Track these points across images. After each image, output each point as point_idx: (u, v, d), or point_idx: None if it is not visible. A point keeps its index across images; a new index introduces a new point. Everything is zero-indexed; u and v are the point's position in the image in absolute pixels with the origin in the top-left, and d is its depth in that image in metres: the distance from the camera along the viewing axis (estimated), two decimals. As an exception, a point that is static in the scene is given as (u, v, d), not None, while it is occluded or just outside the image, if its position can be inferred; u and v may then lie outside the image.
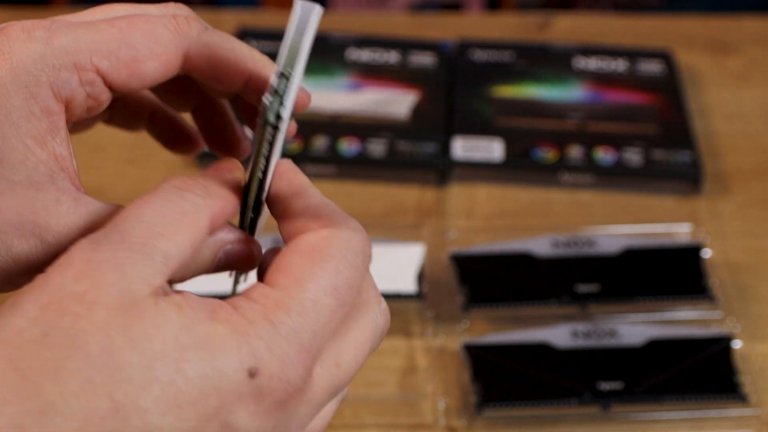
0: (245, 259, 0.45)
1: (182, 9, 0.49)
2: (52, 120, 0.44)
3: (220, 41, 0.47)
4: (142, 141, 0.62)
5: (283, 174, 0.44)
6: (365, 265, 0.42)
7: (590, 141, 0.90)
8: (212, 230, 0.42)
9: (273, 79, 0.42)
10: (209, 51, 0.47)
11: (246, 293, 0.40)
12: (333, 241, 0.41)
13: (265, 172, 0.43)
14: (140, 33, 0.46)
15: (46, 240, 0.43)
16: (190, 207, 0.41)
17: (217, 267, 0.45)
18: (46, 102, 0.44)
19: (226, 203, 0.43)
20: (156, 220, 0.40)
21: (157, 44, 0.46)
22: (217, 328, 0.38)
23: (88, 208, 0.44)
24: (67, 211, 0.43)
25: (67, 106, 0.45)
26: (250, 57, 0.47)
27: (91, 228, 0.42)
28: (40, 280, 0.38)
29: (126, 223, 0.39)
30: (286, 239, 0.43)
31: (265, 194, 0.45)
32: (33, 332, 0.36)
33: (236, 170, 0.45)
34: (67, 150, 0.44)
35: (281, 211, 0.44)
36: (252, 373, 0.38)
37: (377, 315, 0.43)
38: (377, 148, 0.89)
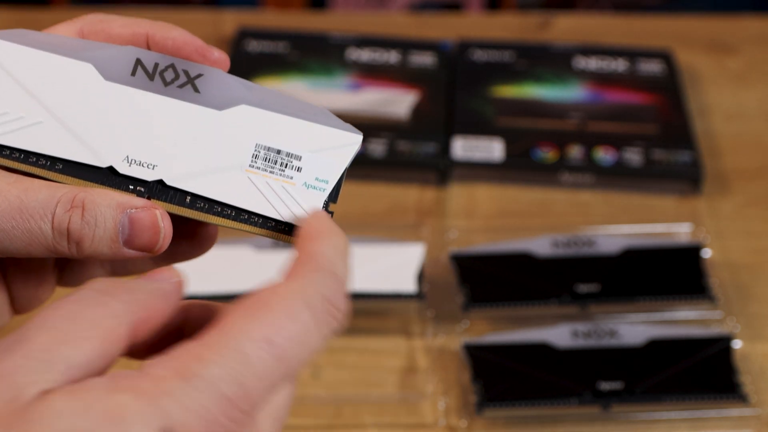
0: (151, 226, 0.46)
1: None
2: None
3: (112, 16, 0.50)
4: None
5: None
6: (323, 318, 0.39)
7: (590, 141, 0.90)
8: (134, 338, 0.40)
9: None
10: (101, 24, 0.49)
11: (167, 350, 0.38)
12: (280, 290, 0.39)
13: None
14: None
15: None
16: (106, 314, 0.39)
17: (124, 239, 0.45)
18: None
19: (153, 313, 0.40)
20: (63, 327, 0.38)
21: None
22: (118, 398, 0.36)
23: None
24: None
25: None
26: (142, 20, 0.49)
27: (23, 197, 0.45)
28: None
29: (31, 331, 0.38)
30: None
31: None
32: None
33: (175, 278, 0.42)
34: None
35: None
36: None
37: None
38: (377, 148, 0.89)
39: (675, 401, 0.71)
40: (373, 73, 0.97)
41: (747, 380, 0.73)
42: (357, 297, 0.76)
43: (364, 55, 0.98)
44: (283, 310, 0.39)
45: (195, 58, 0.49)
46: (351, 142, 0.49)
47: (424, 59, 0.98)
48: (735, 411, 0.72)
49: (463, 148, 0.89)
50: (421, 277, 0.78)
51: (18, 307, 0.53)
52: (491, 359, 0.73)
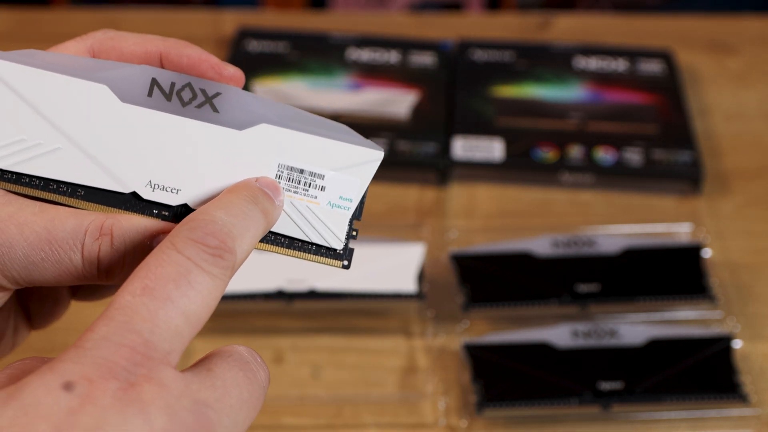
0: None
1: None
2: None
3: (123, 33, 0.50)
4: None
5: None
6: (195, 254, 0.41)
7: (590, 141, 0.90)
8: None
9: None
10: (112, 42, 0.49)
11: None
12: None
13: None
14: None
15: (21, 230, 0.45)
16: None
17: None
18: None
19: None
20: None
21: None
22: (25, 381, 0.38)
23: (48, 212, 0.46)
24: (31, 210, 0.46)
25: None
26: (155, 37, 0.49)
27: (51, 228, 0.45)
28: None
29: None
30: None
31: None
32: None
33: None
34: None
35: None
36: (67, 386, 0.37)
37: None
38: (377, 148, 0.89)
39: (675, 401, 0.71)
40: (373, 73, 0.97)
41: (747, 380, 0.73)
42: (357, 297, 0.76)
43: (364, 55, 0.98)
44: (153, 257, 0.41)
45: (210, 76, 0.49)
46: (373, 158, 0.49)
47: (424, 59, 0.98)
48: (735, 411, 0.72)
49: (463, 148, 0.89)
50: (421, 277, 0.78)
51: (36, 324, 0.53)
52: (491, 359, 0.73)
